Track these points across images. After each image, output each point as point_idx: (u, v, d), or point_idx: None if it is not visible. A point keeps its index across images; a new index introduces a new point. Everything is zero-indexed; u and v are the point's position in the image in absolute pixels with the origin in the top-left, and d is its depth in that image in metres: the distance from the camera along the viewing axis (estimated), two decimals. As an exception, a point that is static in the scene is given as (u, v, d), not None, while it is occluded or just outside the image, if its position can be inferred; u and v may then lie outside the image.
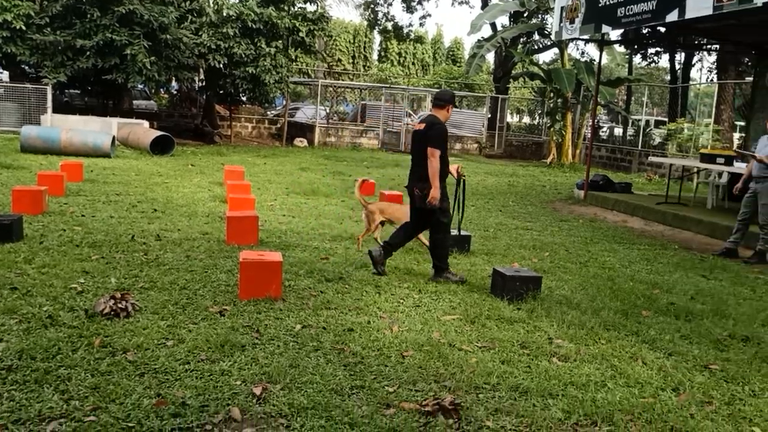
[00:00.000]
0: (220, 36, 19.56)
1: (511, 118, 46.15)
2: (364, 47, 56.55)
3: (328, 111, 28.92)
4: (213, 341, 4.58)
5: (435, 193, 6.26)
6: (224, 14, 19.71)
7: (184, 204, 9.96)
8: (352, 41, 55.36)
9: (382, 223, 7.61)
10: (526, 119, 37.26)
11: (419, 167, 6.30)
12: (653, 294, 6.67)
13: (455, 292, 6.23)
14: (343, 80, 42.54)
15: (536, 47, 27.24)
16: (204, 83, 22.57)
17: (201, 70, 21.87)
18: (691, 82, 30.27)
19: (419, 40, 44.03)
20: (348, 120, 31.20)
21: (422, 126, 6.31)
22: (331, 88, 31.33)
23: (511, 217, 11.40)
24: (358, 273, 6.62)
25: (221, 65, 19.75)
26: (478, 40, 24.21)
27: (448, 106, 6.36)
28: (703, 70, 40.41)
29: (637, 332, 5.43)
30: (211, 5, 20.11)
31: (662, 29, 16.38)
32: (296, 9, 21.95)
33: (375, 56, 59.35)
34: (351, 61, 55.33)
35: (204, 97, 24.81)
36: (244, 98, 22.70)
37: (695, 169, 14.87)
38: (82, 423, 3.48)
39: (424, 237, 7.46)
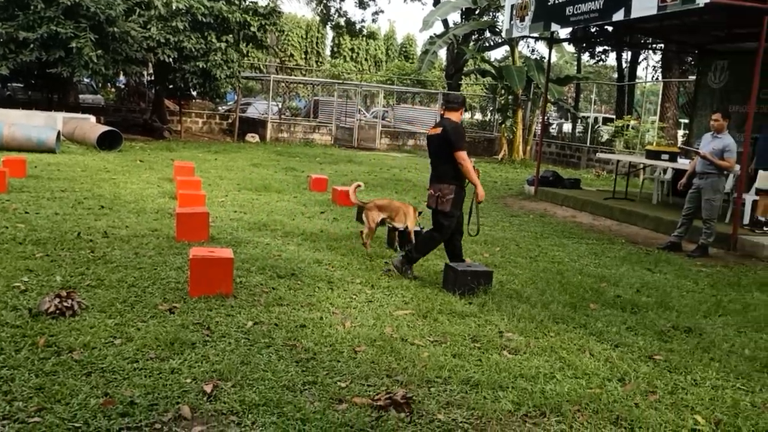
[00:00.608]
0: (169, 30, 19.22)
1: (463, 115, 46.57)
2: (317, 43, 56.26)
3: (280, 106, 28.71)
4: (162, 339, 4.52)
5: (480, 191, 6.33)
6: (173, 7, 19.36)
7: (133, 200, 9.78)
8: (304, 36, 55.00)
9: (382, 222, 7.49)
10: (478, 116, 37.57)
11: (437, 170, 6.43)
12: (601, 287, 6.81)
13: (408, 287, 6.26)
14: (295, 76, 42.28)
15: (488, 45, 27.54)
16: (153, 77, 22.13)
17: (150, 64, 21.46)
18: (637, 80, 30.95)
19: (372, 36, 43.98)
20: (301, 116, 31.07)
21: (438, 130, 6.39)
22: (283, 84, 31.11)
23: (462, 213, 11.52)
24: (311, 269, 6.60)
25: (171, 59, 19.41)
26: (431, 37, 24.32)
27: (460, 109, 6.49)
28: (649, 68, 41.41)
29: (585, 325, 5.54)
30: (160, -2, 19.73)
31: (609, 28, 16.72)
32: (247, 3, 21.71)
33: (328, 52, 59.11)
34: (303, 56, 54.99)
35: (153, 91, 24.35)
36: (194, 93, 22.37)
37: (641, 166, 15.25)
38: (26, 424, 3.40)
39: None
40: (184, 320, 4.92)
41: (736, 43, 13.17)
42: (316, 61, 55.74)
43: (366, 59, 60.57)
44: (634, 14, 10.48)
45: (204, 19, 19.74)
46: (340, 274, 6.56)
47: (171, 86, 21.41)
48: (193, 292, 5.46)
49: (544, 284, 6.77)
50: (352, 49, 59.95)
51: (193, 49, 19.58)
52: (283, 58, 50.62)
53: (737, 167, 9.73)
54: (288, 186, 12.78)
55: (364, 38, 45.36)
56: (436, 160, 6.43)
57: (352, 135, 25.80)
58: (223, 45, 20.13)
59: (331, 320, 5.17)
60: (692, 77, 20.39)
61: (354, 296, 5.88)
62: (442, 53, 42.10)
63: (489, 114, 32.89)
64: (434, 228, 6.58)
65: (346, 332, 4.91)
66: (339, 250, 7.63)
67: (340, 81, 31.26)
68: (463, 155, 6.24)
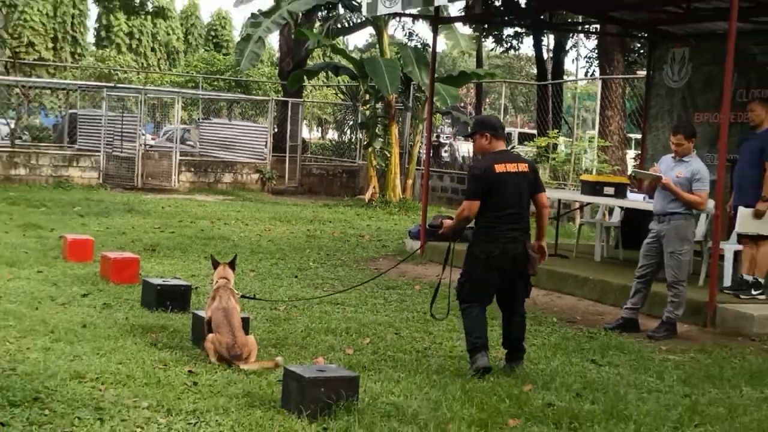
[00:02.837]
0: None
1: (310, 134, 47.19)
2: (72, 25, 55.44)
3: (12, 126, 27.90)
4: None
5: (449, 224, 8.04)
6: None
7: None
8: (52, 15, 54.09)
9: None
10: (332, 134, 38.18)
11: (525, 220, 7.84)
12: (523, 393, 6.97)
13: (226, 410, 6.16)
14: (39, 76, 41.36)
15: (342, 26, 28.07)
16: None
17: None
18: (565, 78, 32.50)
19: (161, 14, 43.91)
20: (50, 141, 30.29)
21: (525, 167, 7.85)
22: (17, 90, 30.31)
23: (311, 287, 11.51)
24: (67, 388, 6.39)
25: None
26: (254, 15, 24.53)
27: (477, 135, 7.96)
28: (581, 60, 43.53)
29: (502, 453, 5.65)
30: None
31: (521, 1, 17.54)
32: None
33: (91, 38, 58.35)
34: (51, 46, 53.98)
35: None
36: None
37: (576, 205, 15.89)
38: None
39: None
40: None
41: (701, 23, 14.14)
42: (73, 53, 54.85)
43: (153, 49, 60.32)
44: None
45: None
46: (115, 394, 6.39)
47: None
48: None
49: (439, 392, 6.85)
50: (130, 34, 59.58)
51: None
52: (17, 49, 49.39)
53: (711, 203, 10.31)
54: (27, 254, 12.37)
55: (149, 18, 45.17)
56: (521, 206, 7.75)
57: (132, 169, 25.40)
58: None
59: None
60: (642, 73, 21.58)
61: (139, 430, 5.73)
62: (273, 40, 42.65)
63: (349, 131, 33.45)
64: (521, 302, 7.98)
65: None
66: (114, 354, 7.44)
67: (112, 84, 30.87)
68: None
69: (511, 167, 7.66)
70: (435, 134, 30.73)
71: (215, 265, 8.20)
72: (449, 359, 8.04)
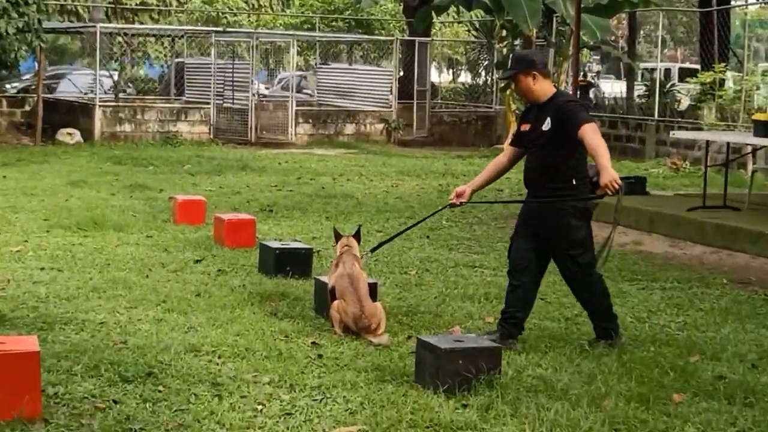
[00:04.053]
0: None
1: (440, 77, 47.02)
2: (177, -37, 56.26)
3: (116, 79, 28.55)
4: None
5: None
6: None
7: None
8: (154, -47, 54.98)
9: None
10: (465, 77, 38.00)
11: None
12: (689, 364, 6.88)
13: (354, 384, 6.22)
14: (141, 23, 42.18)
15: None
16: None
17: None
18: (733, 3, 31.52)
19: (273, -53, 44.25)
20: (156, 93, 30.91)
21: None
22: (120, 38, 30.96)
23: (445, 248, 11.54)
24: (182, 362, 6.54)
25: None
26: (375, -55, 24.54)
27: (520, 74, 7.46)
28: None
29: (667, 432, 5.59)
30: None
31: None
32: None
33: (197, -22, 59.12)
34: (154, -12, 54.88)
35: None
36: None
37: (749, 149, 15.51)
38: None
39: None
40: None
41: None
42: (177, -4, 55.63)
43: (264, -11, 60.68)
44: None
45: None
46: (233, 368, 6.51)
47: None
48: (-29, 417, 5.35)
49: (593, 364, 6.80)
50: (239, -28, 59.99)
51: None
52: (119, -7, 50.35)
53: None
54: (136, 218, 12.69)
55: (260, -48, 45.55)
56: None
57: (245, 122, 25.78)
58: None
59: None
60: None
61: (260, 407, 5.83)
62: (397, -28, 42.54)
63: (483, 73, 33.23)
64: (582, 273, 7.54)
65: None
66: (231, 326, 7.58)
67: (221, 29, 31.24)
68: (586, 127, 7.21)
69: None
70: (582, 73, 30.23)
71: (337, 237, 8.26)
72: (603, 327, 7.96)
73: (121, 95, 27.42)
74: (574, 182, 7.30)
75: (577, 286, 7.55)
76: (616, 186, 6.78)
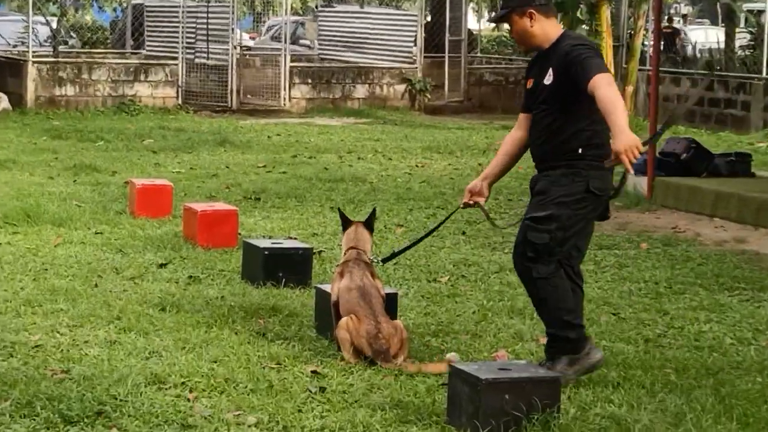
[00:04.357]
0: None
1: (479, 23, 46.91)
2: None
3: (55, 27, 28.58)
4: None
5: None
6: None
7: None
8: None
9: None
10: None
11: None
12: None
13: (367, 426, 6.23)
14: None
15: None
16: None
17: None
18: None
19: None
20: (107, 46, 30.93)
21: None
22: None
23: (487, 247, 11.55)
24: (142, 397, 6.53)
25: None
26: None
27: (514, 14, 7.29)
28: None
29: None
30: None
31: None
32: None
33: None
34: None
35: None
36: None
37: None
38: None
39: None
40: None
41: None
42: None
43: None
44: None
45: None
46: (209, 405, 6.51)
47: None
48: None
49: (680, 400, 6.79)
50: None
51: None
52: None
53: None
54: (81, 209, 12.71)
55: None
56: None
57: (224, 83, 25.80)
58: None
59: None
60: None
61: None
62: None
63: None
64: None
65: None
66: (206, 349, 7.57)
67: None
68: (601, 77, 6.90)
69: None
70: (666, 17, 30.20)
71: (345, 224, 8.24)
72: (694, 351, 7.94)
73: (61, 48, 27.45)
74: (580, 151, 7.11)
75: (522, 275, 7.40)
76: (636, 155, 6.45)
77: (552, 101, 7.05)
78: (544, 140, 7.17)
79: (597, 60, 6.96)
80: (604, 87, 6.70)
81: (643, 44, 25.24)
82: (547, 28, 7.17)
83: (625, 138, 6.40)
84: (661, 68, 19.36)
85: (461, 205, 7.60)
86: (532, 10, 7.12)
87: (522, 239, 7.13)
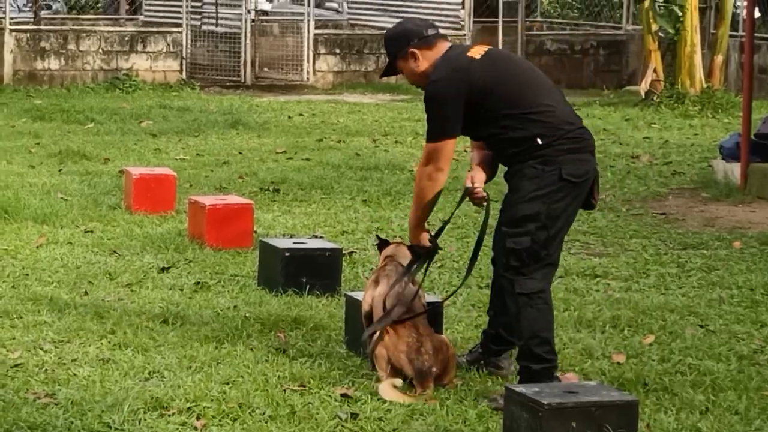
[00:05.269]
0: None
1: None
2: None
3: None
4: None
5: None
6: None
7: None
8: None
9: None
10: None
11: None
12: None
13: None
14: None
15: None
16: None
17: None
18: None
19: None
20: (98, 11, 31.03)
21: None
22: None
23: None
24: (141, 423, 6.55)
25: None
26: None
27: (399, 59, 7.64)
28: None
29: None
30: None
31: None
32: None
33: None
34: None
35: None
36: None
37: None
38: None
39: None
40: None
41: None
42: None
43: None
44: None
45: None
46: (219, 434, 6.55)
47: None
48: None
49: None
50: None
51: None
52: None
53: None
54: (68, 203, 12.76)
55: None
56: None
57: (236, 55, 25.89)
58: None
59: None
60: None
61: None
62: None
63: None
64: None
65: None
66: (216, 369, 7.61)
67: None
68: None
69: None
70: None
71: (381, 246, 8.23)
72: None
73: (43, 13, 27.56)
74: (539, 141, 7.29)
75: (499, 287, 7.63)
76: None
77: (470, 129, 7.51)
78: (500, 155, 7.59)
79: (429, 124, 7.45)
80: (418, 169, 7.59)
81: (735, 6, 25.18)
82: (433, 58, 7.46)
83: (411, 236, 7.59)
84: (756, 34, 19.25)
85: (476, 196, 7.72)
86: (412, 50, 7.45)
87: (502, 250, 7.34)
